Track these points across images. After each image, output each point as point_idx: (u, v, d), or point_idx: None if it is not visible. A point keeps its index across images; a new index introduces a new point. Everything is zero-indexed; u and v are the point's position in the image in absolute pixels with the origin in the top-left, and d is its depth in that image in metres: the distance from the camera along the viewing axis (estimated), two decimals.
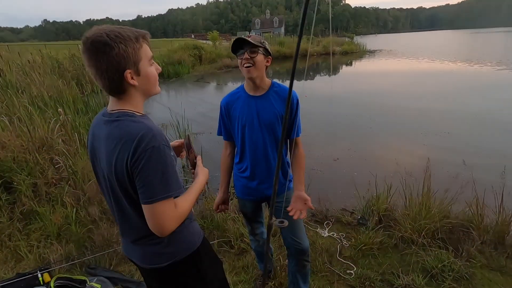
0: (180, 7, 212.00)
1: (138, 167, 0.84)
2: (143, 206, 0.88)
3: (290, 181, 1.67)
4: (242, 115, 1.52)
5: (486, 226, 2.37)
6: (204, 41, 25.93)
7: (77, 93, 6.72)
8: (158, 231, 0.89)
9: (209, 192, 3.27)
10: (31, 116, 3.88)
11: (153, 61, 0.96)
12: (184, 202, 0.96)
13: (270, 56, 1.47)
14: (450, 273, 1.99)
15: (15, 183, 2.91)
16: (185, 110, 5.85)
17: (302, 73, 15.56)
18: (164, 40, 40.38)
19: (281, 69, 17.08)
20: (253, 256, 2.29)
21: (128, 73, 0.87)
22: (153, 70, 0.95)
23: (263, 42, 1.44)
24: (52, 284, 1.97)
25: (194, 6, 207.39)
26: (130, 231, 1.02)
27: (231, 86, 12.78)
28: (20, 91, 5.12)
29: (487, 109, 6.61)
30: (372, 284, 1.98)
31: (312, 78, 13.76)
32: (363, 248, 2.33)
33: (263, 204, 1.87)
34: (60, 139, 3.51)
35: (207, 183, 1.20)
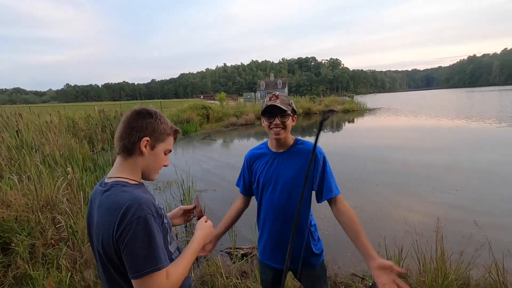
0: (191, 72, 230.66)
1: (124, 241, 0.83)
2: (132, 281, 0.84)
3: (318, 255, 1.51)
4: (263, 172, 1.49)
5: None
6: (212, 101, 27.58)
7: (87, 151, 6.97)
8: None
9: (210, 255, 3.12)
10: (41, 174, 3.97)
11: (168, 156, 1.10)
12: (176, 269, 0.92)
13: (295, 116, 1.48)
14: None
15: (13, 244, 2.85)
16: (191, 167, 5.94)
17: (305, 130, 15.95)
18: (175, 100, 43.09)
19: None
20: None
21: (145, 140, 0.98)
22: (163, 159, 1.06)
23: (291, 102, 1.45)
24: None
25: (204, 70, 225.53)
26: None
27: (237, 143, 13.12)
28: (34, 150, 5.33)
29: (494, 165, 6.55)
30: None
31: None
32: None
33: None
34: (65, 198, 3.53)
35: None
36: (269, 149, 1.52)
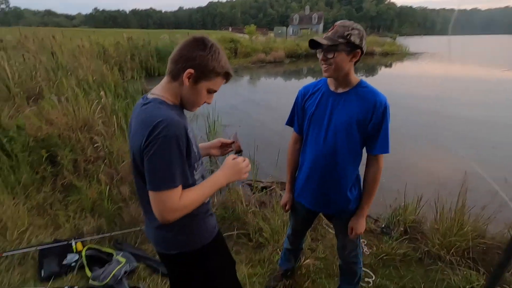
0: (220, 1, 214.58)
1: (148, 154, 0.87)
2: (149, 192, 0.90)
3: (353, 202, 1.45)
4: (314, 111, 1.38)
5: None
6: (241, 35, 26.12)
7: (118, 79, 7.13)
8: (159, 219, 0.90)
9: (232, 184, 3.32)
10: (77, 97, 4.19)
11: (212, 95, 1.05)
12: (189, 196, 0.94)
13: (358, 50, 1.24)
14: None
15: (59, 158, 3.18)
16: (217, 101, 5.94)
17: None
18: (203, 31, 41.31)
19: (316, 67, 16.77)
20: (270, 251, 2.31)
21: (189, 72, 0.94)
22: (204, 96, 1.01)
23: (348, 34, 1.19)
24: (83, 253, 2.14)
25: (234, 0, 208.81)
26: (148, 212, 1.05)
27: (264, 81, 12.79)
28: (69, 73, 5.54)
29: None
30: None
31: None
32: (385, 258, 2.24)
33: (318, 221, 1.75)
34: (100, 121, 3.76)
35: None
36: (327, 87, 1.37)
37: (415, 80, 12.32)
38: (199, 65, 0.94)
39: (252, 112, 6.81)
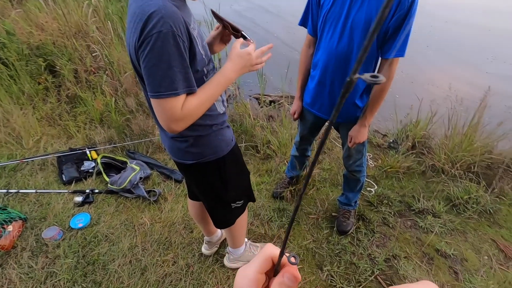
0: None
1: (143, 54, 0.75)
2: (150, 99, 0.81)
3: (361, 109, 1.39)
4: (331, 7, 1.21)
5: None
6: None
7: None
8: (165, 129, 0.85)
9: (240, 97, 3.23)
10: None
11: None
12: (192, 103, 0.83)
13: None
14: (474, 205, 1.97)
15: (58, 67, 3.03)
16: (221, 6, 5.31)
17: None
18: None
19: None
20: (277, 162, 2.39)
21: None
22: None
23: None
24: (99, 161, 2.24)
25: None
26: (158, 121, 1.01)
27: None
28: None
29: None
30: (390, 204, 2.03)
31: None
32: (388, 170, 2.31)
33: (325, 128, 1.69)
34: (95, 26, 3.43)
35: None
36: None
37: None
38: None
39: (259, 20, 6.14)
